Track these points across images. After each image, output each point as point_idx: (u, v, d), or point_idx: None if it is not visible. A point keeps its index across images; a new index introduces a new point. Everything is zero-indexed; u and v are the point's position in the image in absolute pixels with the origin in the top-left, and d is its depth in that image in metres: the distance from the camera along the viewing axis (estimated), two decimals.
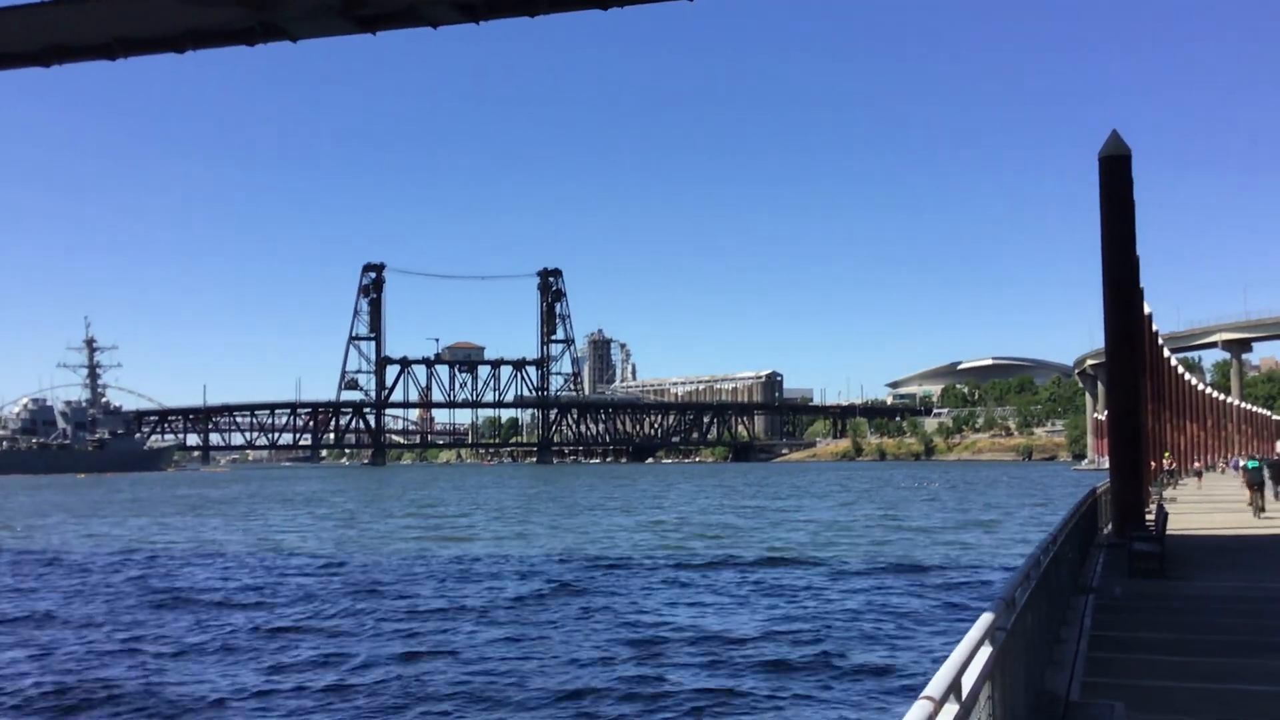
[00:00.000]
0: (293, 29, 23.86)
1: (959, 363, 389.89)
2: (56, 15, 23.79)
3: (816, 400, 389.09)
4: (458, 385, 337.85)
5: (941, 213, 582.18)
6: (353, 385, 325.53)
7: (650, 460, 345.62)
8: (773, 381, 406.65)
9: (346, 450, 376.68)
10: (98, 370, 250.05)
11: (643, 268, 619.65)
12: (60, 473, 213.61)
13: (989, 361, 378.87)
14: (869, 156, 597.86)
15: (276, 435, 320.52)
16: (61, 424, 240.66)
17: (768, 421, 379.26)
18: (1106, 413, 31.97)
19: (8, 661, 21.53)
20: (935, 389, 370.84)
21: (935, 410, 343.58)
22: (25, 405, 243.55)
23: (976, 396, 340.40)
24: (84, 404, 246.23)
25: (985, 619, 7.11)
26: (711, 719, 16.60)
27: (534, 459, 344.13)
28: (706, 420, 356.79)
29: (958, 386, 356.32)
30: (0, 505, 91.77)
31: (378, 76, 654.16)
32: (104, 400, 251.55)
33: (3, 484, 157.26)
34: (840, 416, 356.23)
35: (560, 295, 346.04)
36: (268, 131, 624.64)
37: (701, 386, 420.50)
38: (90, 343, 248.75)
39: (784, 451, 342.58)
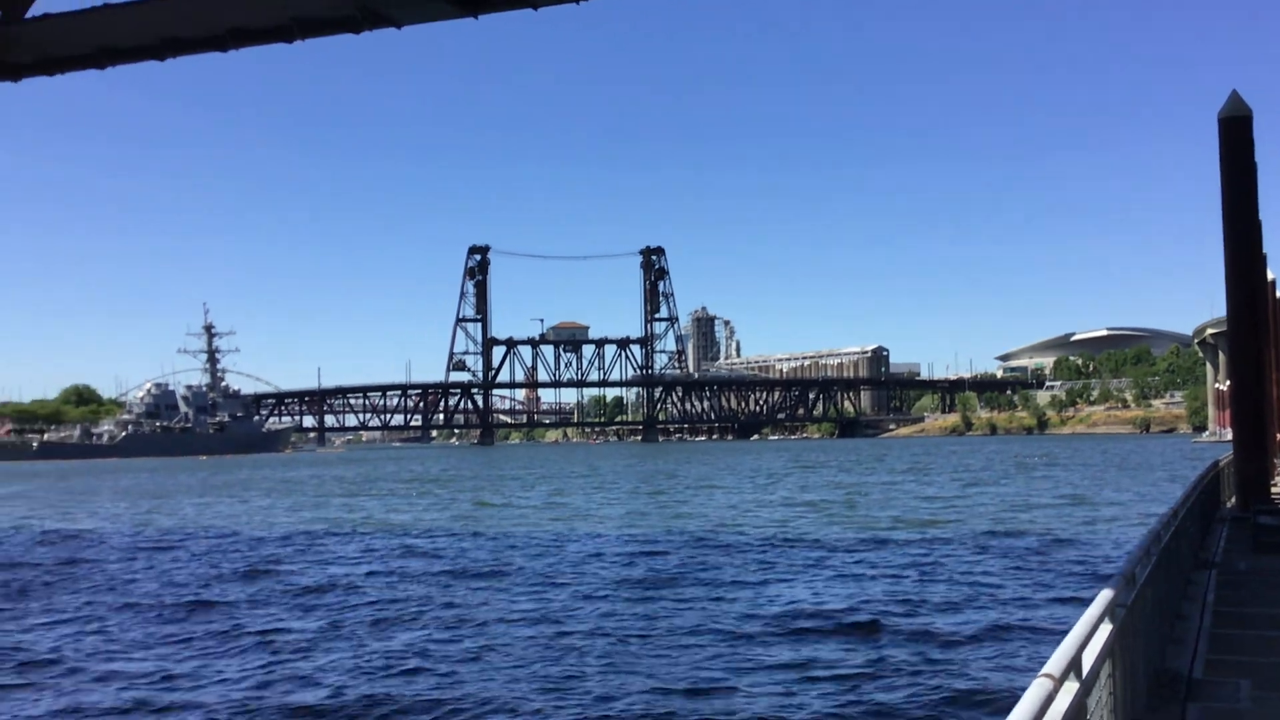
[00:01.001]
0: (397, 15, 24.22)
1: (1072, 334, 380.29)
2: (172, 9, 24.53)
3: (924, 374, 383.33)
4: (563, 365, 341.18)
5: (1052, 179, 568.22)
6: (460, 366, 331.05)
7: (755, 437, 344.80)
8: (879, 356, 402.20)
9: (455, 430, 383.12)
10: (216, 355, 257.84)
11: (746, 244, 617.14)
12: (183, 455, 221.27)
13: (1104, 332, 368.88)
14: (976, 125, 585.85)
15: (388, 416, 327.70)
16: (183, 408, 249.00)
17: (874, 397, 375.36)
18: (1228, 383, 30.96)
19: (144, 645, 22.34)
20: (1047, 361, 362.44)
21: (1047, 383, 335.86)
22: (149, 390, 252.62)
23: (1091, 368, 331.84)
24: (204, 388, 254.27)
25: (1105, 596, 6.98)
26: (827, 699, 16.56)
27: (639, 437, 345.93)
28: (812, 396, 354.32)
29: (1071, 358, 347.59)
30: (128, 487, 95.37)
31: (479, 60, 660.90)
32: (223, 384, 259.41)
33: (129, 466, 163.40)
34: (949, 391, 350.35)
35: (663, 273, 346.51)
36: (373, 118, 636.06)
37: (806, 362, 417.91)
38: (209, 328, 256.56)
39: (891, 427, 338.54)
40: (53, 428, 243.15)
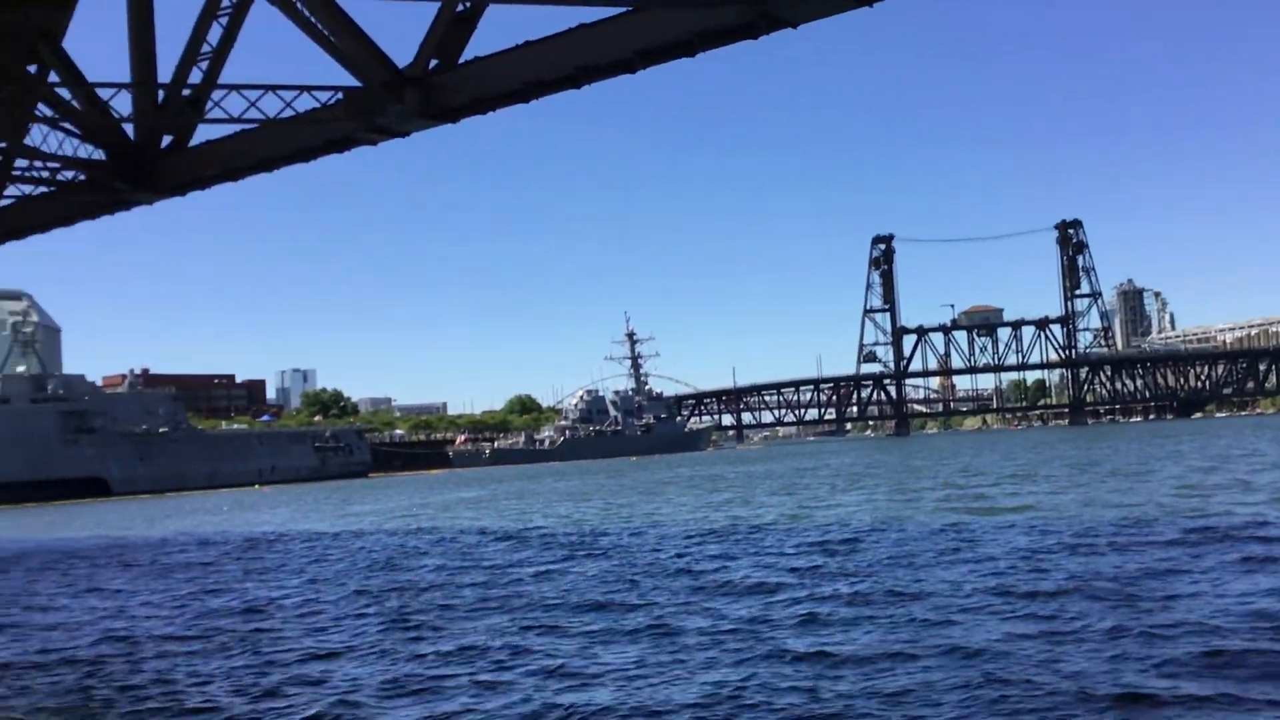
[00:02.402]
0: (793, 15, 24.35)
1: None
2: (584, 39, 26.09)
3: None
4: (977, 350, 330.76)
5: None
6: (871, 358, 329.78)
7: (1198, 415, 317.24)
8: None
9: (870, 422, 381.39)
10: (639, 360, 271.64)
11: (1172, 209, 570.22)
12: (614, 456, 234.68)
13: None
14: None
15: (802, 411, 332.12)
16: (612, 412, 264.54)
17: None
18: None
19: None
20: None
21: None
22: (581, 397, 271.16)
23: None
24: (630, 392, 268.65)
25: None
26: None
27: (1065, 421, 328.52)
28: (1263, 368, 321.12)
29: None
30: (574, 488, 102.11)
31: (873, 46, 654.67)
32: (646, 388, 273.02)
33: (569, 469, 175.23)
34: None
35: (1082, 246, 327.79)
36: (771, 117, 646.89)
37: (1254, 331, 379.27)
38: (630, 336, 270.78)
39: None
40: (501, 435, 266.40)
